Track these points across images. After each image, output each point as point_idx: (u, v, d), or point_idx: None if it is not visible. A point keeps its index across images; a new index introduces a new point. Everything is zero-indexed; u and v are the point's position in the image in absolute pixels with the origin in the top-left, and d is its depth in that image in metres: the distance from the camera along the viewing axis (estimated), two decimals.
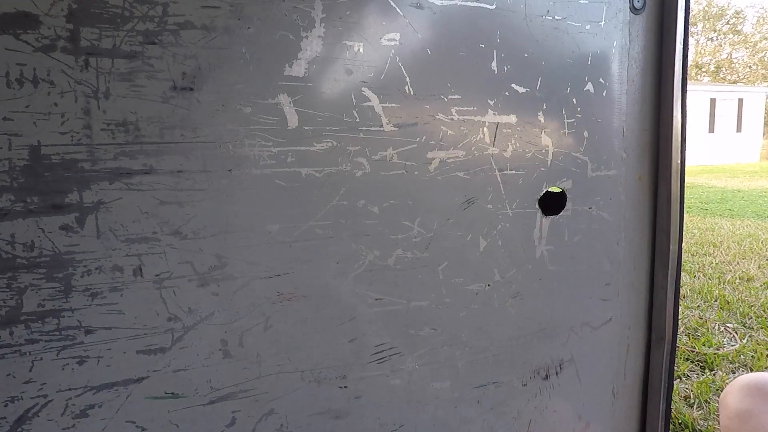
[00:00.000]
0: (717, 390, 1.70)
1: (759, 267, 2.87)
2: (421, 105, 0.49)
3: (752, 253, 3.17)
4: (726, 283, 2.63)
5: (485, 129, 0.52)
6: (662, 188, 0.63)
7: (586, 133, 0.58)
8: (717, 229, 3.87)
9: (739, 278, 2.70)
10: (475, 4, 0.50)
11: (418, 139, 0.49)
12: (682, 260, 0.79)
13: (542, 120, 0.55)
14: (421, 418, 0.53)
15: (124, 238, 0.39)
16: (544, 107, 0.55)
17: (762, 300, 2.42)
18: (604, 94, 0.59)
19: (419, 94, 0.48)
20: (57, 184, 0.37)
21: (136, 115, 0.39)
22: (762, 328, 2.21)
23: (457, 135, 0.51)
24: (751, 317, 2.30)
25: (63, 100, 0.37)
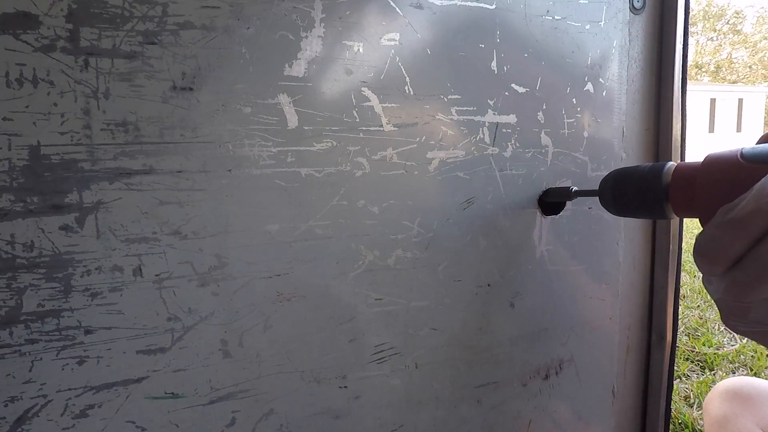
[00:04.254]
0: None
1: None
2: (421, 105, 0.49)
3: None
4: None
5: (485, 129, 0.52)
6: None
7: (586, 133, 0.58)
8: None
9: None
10: (475, 4, 0.50)
11: (418, 139, 0.49)
12: (682, 260, 0.79)
13: (542, 120, 0.55)
14: (421, 418, 0.53)
15: (123, 238, 0.39)
16: (544, 107, 0.55)
17: None
18: (604, 94, 0.59)
19: (419, 94, 0.48)
20: (57, 184, 0.37)
21: (136, 115, 0.39)
22: None
23: (457, 135, 0.51)
24: None
25: (63, 100, 0.37)
